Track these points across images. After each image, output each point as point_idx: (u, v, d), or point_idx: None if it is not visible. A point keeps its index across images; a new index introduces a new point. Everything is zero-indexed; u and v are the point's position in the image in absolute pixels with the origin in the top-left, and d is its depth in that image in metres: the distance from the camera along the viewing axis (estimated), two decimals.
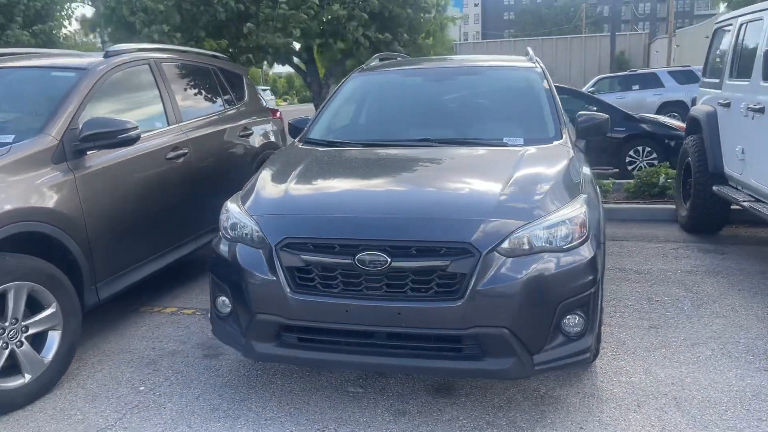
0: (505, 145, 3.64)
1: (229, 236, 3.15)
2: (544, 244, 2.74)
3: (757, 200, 4.93)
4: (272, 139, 6.08)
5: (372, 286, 2.74)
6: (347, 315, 2.76)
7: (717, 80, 6.01)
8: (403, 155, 3.64)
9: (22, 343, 3.19)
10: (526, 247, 2.72)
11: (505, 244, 2.69)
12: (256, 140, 5.69)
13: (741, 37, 5.54)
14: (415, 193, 3.09)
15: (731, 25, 5.90)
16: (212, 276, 3.21)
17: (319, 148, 3.82)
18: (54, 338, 3.35)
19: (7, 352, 3.12)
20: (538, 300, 2.69)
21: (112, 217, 3.81)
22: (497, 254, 2.67)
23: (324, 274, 2.80)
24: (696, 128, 6.15)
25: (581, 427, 2.86)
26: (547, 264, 2.71)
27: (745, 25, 5.52)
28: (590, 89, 18.54)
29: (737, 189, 5.38)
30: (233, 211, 3.18)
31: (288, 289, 2.82)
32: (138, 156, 4.09)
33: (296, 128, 4.41)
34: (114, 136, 3.67)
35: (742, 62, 5.45)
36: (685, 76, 17.96)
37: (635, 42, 44.61)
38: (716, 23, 6.60)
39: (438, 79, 4.43)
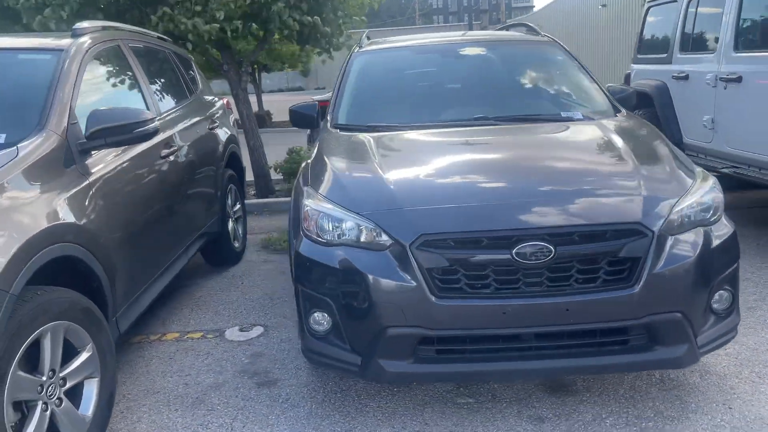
0: (570, 119, 3.42)
1: (324, 239, 2.63)
2: (697, 219, 2.56)
3: (733, 166, 5.17)
4: (233, 131, 5.41)
5: (531, 281, 2.40)
6: (504, 318, 2.40)
7: (663, 55, 6.25)
8: (479, 135, 3.30)
9: (61, 401, 2.45)
10: (686, 222, 2.52)
11: (670, 222, 2.47)
12: (221, 133, 5.01)
13: (694, 12, 5.78)
14: (546, 174, 2.77)
15: (675, 2, 6.16)
16: (302, 288, 2.68)
17: (369, 134, 3.35)
18: (92, 388, 2.63)
19: (48, 414, 2.38)
20: (704, 278, 2.50)
21: (128, 231, 3.09)
22: (665, 233, 2.44)
23: (473, 273, 2.41)
24: (646, 102, 6.37)
25: (729, 407, 2.74)
26: (707, 239, 2.54)
27: (697, 0, 5.77)
28: None
29: (699, 158, 5.62)
30: (324, 209, 2.67)
31: (431, 295, 2.40)
32: (140, 155, 3.37)
33: (303, 115, 3.90)
34: (130, 131, 2.95)
35: (700, 36, 5.69)
36: None
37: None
38: (648, 2, 6.88)
39: (458, 55, 4.11)
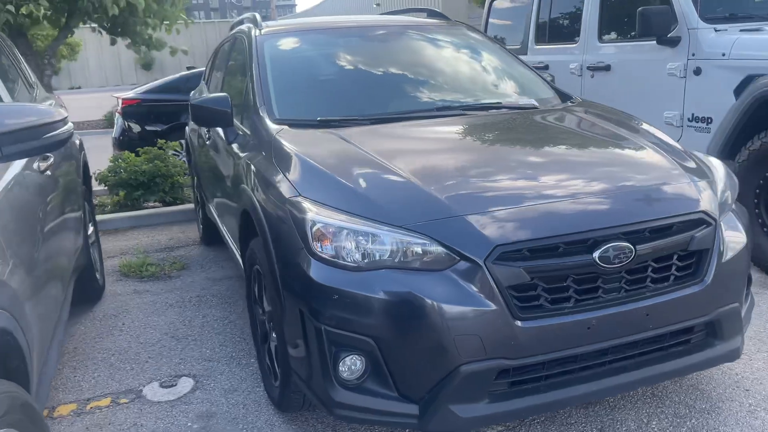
0: (533, 107, 3.20)
1: (351, 262, 2.07)
2: (729, 202, 2.48)
3: None
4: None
5: (610, 288, 2.10)
6: (588, 334, 2.07)
7: (515, 47, 6.41)
8: (470, 125, 2.91)
9: None
10: (726, 207, 2.42)
11: (721, 207, 2.35)
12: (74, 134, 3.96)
13: (548, 3, 6.00)
14: (589, 167, 2.47)
15: None
16: (326, 328, 2.08)
17: (336, 130, 2.78)
18: None
19: None
20: (747, 264, 2.42)
21: (30, 277, 2.17)
22: (720, 220, 2.31)
23: (553, 286, 2.04)
24: None
25: (746, 389, 2.72)
26: (742, 221, 2.47)
27: None
28: None
29: None
30: (347, 224, 2.09)
31: (514, 318, 1.98)
32: (24, 171, 2.42)
33: (213, 111, 3.16)
34: (39, 136, 2.05)
35: (558, 27, 5.91)
36: None
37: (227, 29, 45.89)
38: None
39: (384, 39, 3.65)
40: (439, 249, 2.02)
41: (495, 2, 6.96)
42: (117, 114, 9.20)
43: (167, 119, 9.03)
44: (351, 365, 2.09)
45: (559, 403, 2.17)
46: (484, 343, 1.97)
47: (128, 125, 9.04)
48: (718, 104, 4.30)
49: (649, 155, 2.53)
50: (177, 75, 9.91)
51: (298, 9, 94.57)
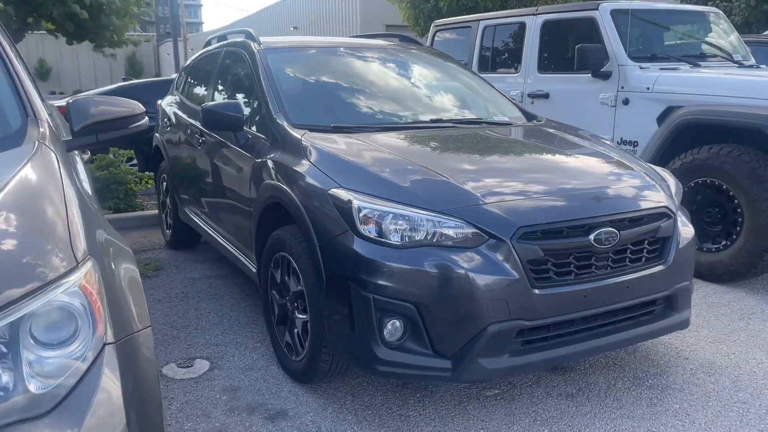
0: (510, 123, 3.73)
1: (395, 241, 2.46)
2: (679, 200, 3.09)
3: None
4: None
5: (600, 264, 2.62)
6: (585, 301, 2.58)
7: None
8: (469, 135, 3.38)
9: None
10: (677, 203, 3.02)
11: (676, 203, 2.94)
12: None
13: (491, 36, 6.66)
14: (580, 170, 2.98)
15: (468, 27, 7.00)
16: (375, 296, 2.45)
17: (350, 134, 3.18)
18: None
19: None
20: (695, 250, 3.03)
21: None
22: (676, 214, 2.90)
23: (560, 261, 2.53)
24: None
25: (686, 358, 3.33)
26: (687, 215, 3.08)
27: (492, 28, 6.65)
28: None
29: None
30: (391, 209, 2.49)
31: (531, 287, 2.45)
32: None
33: (224, 116, 3.48)
34: (126, 125, 2.33)
35: (498, 58, 6.58)
36: None
37: (144, 44, 44.76)
38: (435, 25, 7.64)
39: (368, 58, 4.06)
40: (472, 230, 2.46)
41: (438, 32, 7.57)
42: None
43: None
44: (392, 328, 2.47)
45: (560, 359, 2.65)
46: (509, 307, 2.42)
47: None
48: (643, 130, 5.04)
49: (622, 162, 3.11)
50: (115, 85, 9.88)
51: (205, 27, 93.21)
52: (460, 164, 2.90)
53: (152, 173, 6.44)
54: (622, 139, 5.25)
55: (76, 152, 2.46)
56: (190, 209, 4.78)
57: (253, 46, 3.95)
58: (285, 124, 3.28)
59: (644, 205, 2.77)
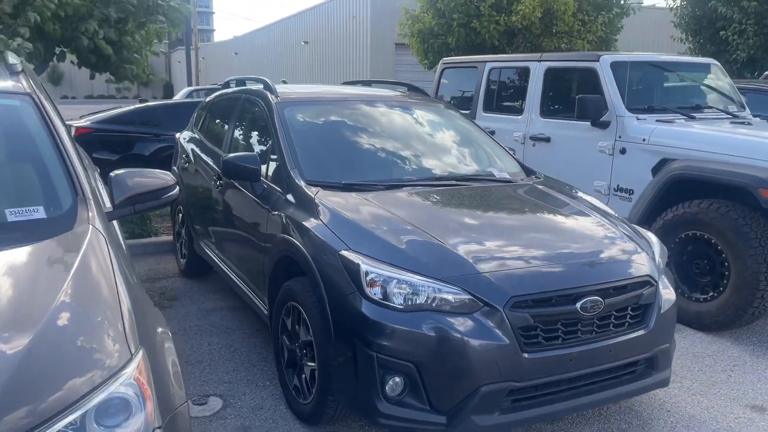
0: (512, 181, 3.98)
1: (397, 304, 2.72)
2: (663, 267, 3.32)
3: None
4: None
5: (585, 329, 2.86)
6: (570, 363, 2.81)
7: (466, 111, 7.29)
8: (468, 196, 3.63)
9: None
10: (660, 270, 3.25)
11: (659, 271, 3.18)
12: None
13: (497, 78, 6.93)
14: (569, 237, 3.22)
15: (474, 68, 7.27)
16: (378, 355, 2.70)
17: (361, 194, 3.43)
18: None
19: None
20: (675, 314, 3.26)
21: None
22: (658, 281, 3.14)
23: (548, 327, 2.77)
24: None
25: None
26: (670, 280, 3.32)
27: (498, 70, 6.93)
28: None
29: None
30: (395, 274, 2.75)
31: (521, 351, 2.69)
32: None
33: (243, 168, 3.74)
34: (159, 196, 2.59)
35: (503, 99, 6.84)
36: None
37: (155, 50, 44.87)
38: (443, 63, 7.92)
39: (382, 113, 4.33)
40: (468, 297, 2.70)
41: (446, 69, 7.84)
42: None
43: (119, 150, 9.30)
44: (394, 384, 2.71)
45: (547, 416, 2.89)
46: (500, 369, 2.66)
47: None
48: (639, 179, 5.28)
49: (611, 230, 3.35)
50: (131, 107, 10.19)
51: (217, 35, 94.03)
52: (461, 228, 3.14)
53: None
54: (618, 186, 5.49)
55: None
56: (205, 243, 5.04)
57: (271, 98, 4.21)
58: (299, 180, 3.54)
59: (629, 273, 3.01)
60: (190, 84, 27.95)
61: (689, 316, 4.74)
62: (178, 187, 2.71)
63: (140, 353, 1.63)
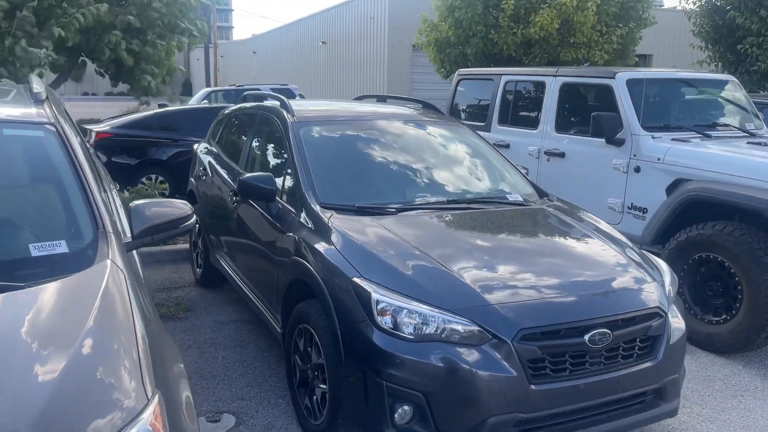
0: (526, 203, 4.00)
1: (407, 334, 2.76)
2: (673, 297, 3.33)
3: None
4: None
5: (593, 361, 2.89)
6: (577, 395, 2.84)
7: (480, 123, 7.32)
8: (480, 220, 3.66)
9: None
10: (671, 300, 3.27)
11: (669, 301, 3.19)
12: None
13: (512, 91, 6.94)
14: (579, 266, 3.24)
15: (490, 80, 7.29)
16: (387, 384, 2.75)
17: (376, 218, 3.47)
18: None
19: None
20: (685, 345, 3.28)
21: None
22: (668, 312, 3.15)
23: (556, 359, 2.80)
24: None
25: None
26: (680, 310, 3.33)
27: (514, 83, 6.94)
28: (203, 103, 18.73)
29: None
30: (405, 305, 2.79)
31: (529, 383, 2.73)
32: None
33: (258, 188, 3.81)
34: (177, 226, 2.66)
35: (518, 113, 6.86)
36: (284, 94, 19.83)
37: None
38: (459, 74, 7.95)
39: (398, 132, 4.37)
40: (477, 329, 2.74)
41: (462, 80, 7.87)
42: (89, 146, 9.49)
43: (138, 154, 9.45)
44: (402, 412, 2.76)
45: None
46: (508, 400, 2.70)
47: (99, 156, 9.38)
48: (653, 198, 5.28)
49: (621, 258, 3.36)
50: (151, 112, 10.33)
51: (236, 33, 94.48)
52: (472, 255, 3.18)
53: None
54: (632, 204, 5.49)
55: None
56: (220, 255, 5.11)
57: (287, 116, 4.27)
58: (314, 203, 3.59)
59: (638, 305, 3.03)
60: (208, 84, 28.17)
61: (701, 338, 4.73)
62: (195, 216, 2.77)
63: (156, 398, 1.69)
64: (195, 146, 6.22)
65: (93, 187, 2.47)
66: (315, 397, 3.31)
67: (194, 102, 19.28)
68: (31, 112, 2.76)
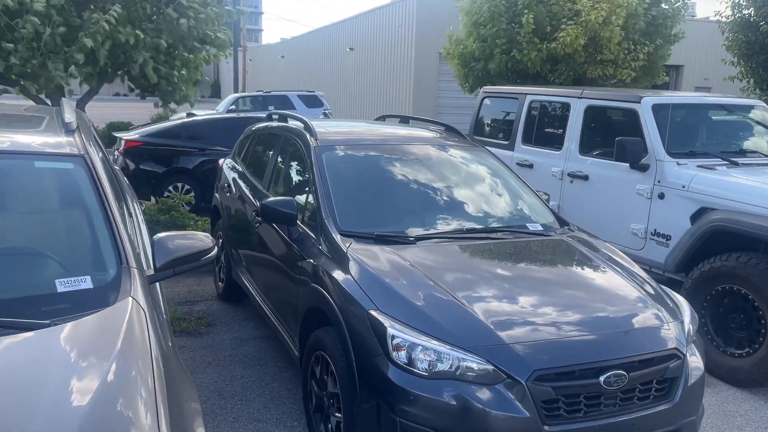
0: (541, 233, 3.99)
1: (421, 370, 2.78)
2: (692, 336, 3.30)
3: None
4: None
5: (608, 403, 2.88)
6: None
7: (504, 142, 7.31)
8: (497, 251, 3.66)
9: None
10: (690, 340, 3.24)
11: (688, 342, 3.17)
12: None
13: (537, 110, 6.92)
14: (596, 304, 3.23)
15: (515, 99, 7.27)
16: (401, 420, 2.77)
17: (395, 248, 3.50)
18: None
19: None
20: (703, 386, 3.24)
21: None
22: (687, 352, 3.13)
23: (570, 400, 2.80)
24: None
25: None
26: (700, 351, 3.30)
27: (538, 103, 6.92)
28: (230, 108, 18.95)
29: None
30: (420, 341, 2.81)
31: (542, 424, 2.73)
32: None
33: (280, 213, 3.86)
34: (198, 258, 2.71)
35: (542, 133, 6.84)
36: (311, 101, 20.06)
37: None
38: (484, 91, 7.95)
39: (419, 159, 4.39)
40: (491, 368, 2.75)
41: (486, 98, 7.87)
42: (118, 153, 9.70)
43: (165, 163, 9.62)
44: None
45: None
46: None
47: (126, 163, 9.56)
48: (677, 226, 5.23)
49: (639, 296, 3.34)
50: (179, 121, 10.51)
51: (265, 36, 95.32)
52: (489, 289, 3.20)
53: (208, 218, 6.92)
54: (656, 230, 5.44)
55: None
56: (242, 272, 5.18)
57: (310, 140, 4.33)
58: (333, 231, 3.63)
59: (656, 346, 3.01)
60: (236, 89, 28.46)
61: (723, 371, 4.68)
62: (216, 248, 2.83)
63: None
64: (221, 161, 6.32)
65: (118, 219, 2.53)
66: (330, 425, 3.34)
67: (222, 107, 19.52)
68: (61, 141, 2.84)
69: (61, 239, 2.56)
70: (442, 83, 22.96)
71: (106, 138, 12.38)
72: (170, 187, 9.53)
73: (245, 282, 5.08)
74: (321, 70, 34.29)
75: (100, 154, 3.23)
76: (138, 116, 21.16)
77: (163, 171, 9.59)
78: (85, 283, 2.27)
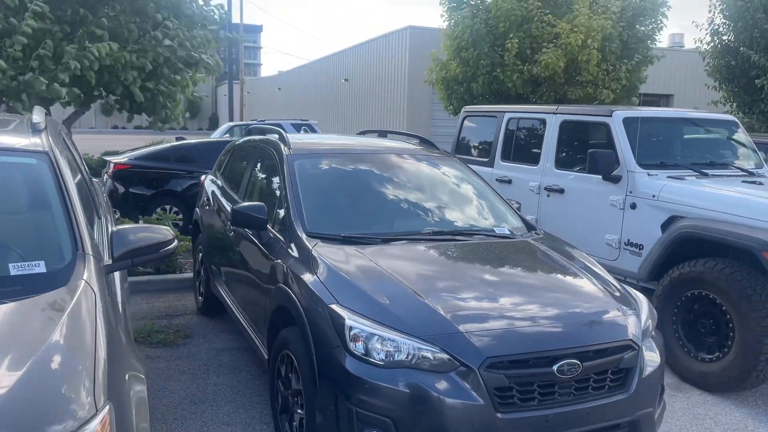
0: (511, 237, 4.07)
1: (377, 360, 2.83)
2: (650, 330, 3.36)
3: None
4: None
5: (562, 391, 2.92)
6: (545, 425, 2.87)
7: (484, 159, 7.43)
8: (459, 251, 3.73)
9: None
10: (647, 333, 3.29)
11: (643, 335, 3.22)
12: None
13: (514, 127, 7.06)
14: (552, 296, 3.30)
15: (494, 117, 7.42)
16: (357, 409, 2.81)
17: (357, 247, 3.57)
18: None
19: None
20: (660, 378, 3.29)
21: None
22: (642, 345, 3.18)
23: (524, 389, 2.84)
24: None
25: None
26: (658, 345, 3.34)
27: (516, 120, 7.06)
28: (224, 137, 19.15)
29: None
30: (377, 331, 2.87)
31: (495, 411, 2.77)
32: None
33: (250, 217, 3.93)
34: (157, 250, 2.78)
35: (520, 150, 6.96)
36: (307, 128, 20.29)
37: (202, 84, 46.42)
38: (465, 111, 8.10)
39: (386, 166, 4.49)
40: (445, 356, 2.80)
41: (467, 117, 8.02)
42: (107, 176, 9.81)
43: (154, 185, 9.72)
44: None
45: None
46: (474, 428, 2.74)
47: (116, 186, 9.66)
48: (649, 235, 5.30)
49: (595, 290, 3.41)
50: (167, 145, 10.64)
51: (263, 69, 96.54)
52: (448, 284, 3.26)
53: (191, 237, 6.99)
54: (629, 240, 5.51)
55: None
56: (219, 284, 5.24)
57: (284, 149, 4.43)
58: (301, 232, 3.71)
59: (610, 337, 3.06)
60: (231, 118, 28.77)
61: (694, 376, 4.71)
62: (176, 241, 2.90)
63: (106, 408, 1.78)
64: (203, 177, 6.41)
65: (78, 211, 2.61)
66: (294, 423, 3.37)
67: (216, 135, 19.73)
68: (27, 141, 2.93)
69: (20, 228, 2.64)
70: (435, 111, 23.24)
71: (99, 163, 12.53)
72: (158, 209, 9.61)
73: (222, 294, 5.13)
74: (317, 101, 34.73)
75: (70, 157, 3.32)
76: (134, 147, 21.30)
77: (152, 193, 9.68)
78: (39, 267, 2.33)
